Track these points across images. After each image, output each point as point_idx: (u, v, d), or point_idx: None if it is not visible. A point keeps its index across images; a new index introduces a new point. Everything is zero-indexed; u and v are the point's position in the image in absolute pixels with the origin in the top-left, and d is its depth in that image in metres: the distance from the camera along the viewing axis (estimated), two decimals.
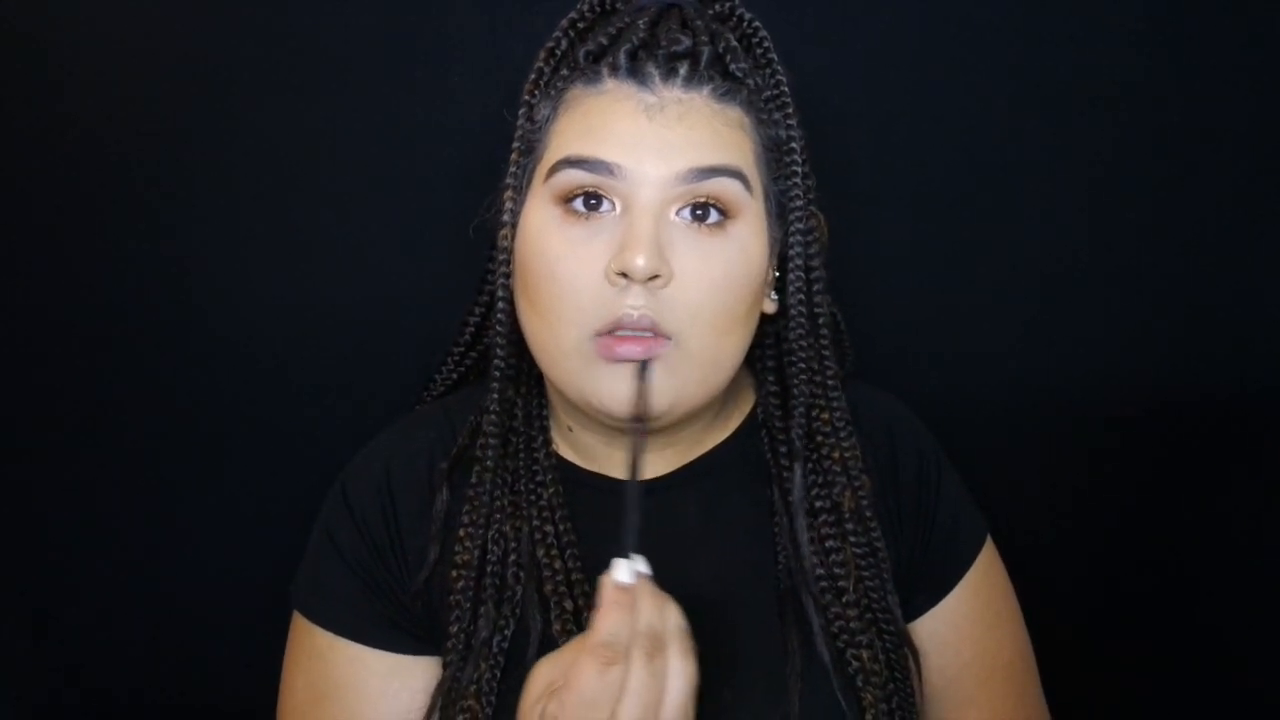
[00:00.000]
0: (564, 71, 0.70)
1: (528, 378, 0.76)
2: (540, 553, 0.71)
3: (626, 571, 0.55)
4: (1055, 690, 0.83)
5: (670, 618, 0.55)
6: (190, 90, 0.96)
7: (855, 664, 0.70)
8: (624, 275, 0.63)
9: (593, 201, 0.65)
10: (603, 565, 0.58)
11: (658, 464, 0.75)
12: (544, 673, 0.56)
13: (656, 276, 0.63)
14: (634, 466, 0.60)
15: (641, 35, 0.67)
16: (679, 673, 0.54)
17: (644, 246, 0.62)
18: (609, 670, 0.52)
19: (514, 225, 0.70)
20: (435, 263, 0.99)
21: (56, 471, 1.02)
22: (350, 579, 0.72)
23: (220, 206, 0.99)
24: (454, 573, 0.71)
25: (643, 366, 0.64)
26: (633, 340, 0.64)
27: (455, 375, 0.84)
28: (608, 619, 0.53)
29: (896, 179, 1.03)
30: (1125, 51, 1.01)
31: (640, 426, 0.63)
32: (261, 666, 0.80)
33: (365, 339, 1.02)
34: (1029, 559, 0.85)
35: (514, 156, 0.71)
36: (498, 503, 0.72)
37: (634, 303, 0.63)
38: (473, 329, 0.81)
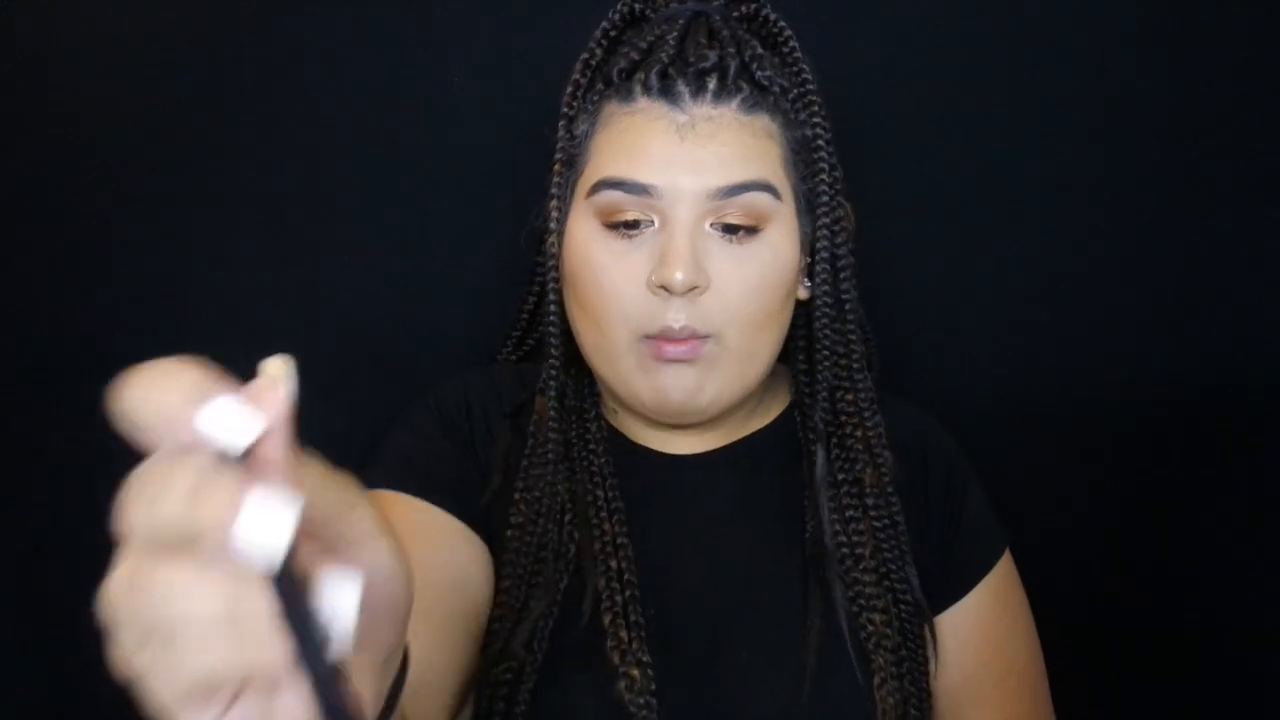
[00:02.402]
0: (599, 86, 0.73)
1: (578, 360, 0.79)
2: (591, 514, 0.74)
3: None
4: (1056, 691, 0.83)
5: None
6: (190, 90, 0.96)
7: (869, 628, 0.73)
8: (664, 288, 0.68)
9: (633, 226, 0.70)
10: (645, 530, 0.70)
11: (699, 444, 0.78)
12: None
13: (695, 287, 0.68)
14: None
15: (670, 52, 0.70)
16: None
17: (682, 261, 0.67)
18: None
19: (560, 233, 0.74)
20: (436, 263, 1.00)
21: (56, 470, 1.02)
22: (424, 451, 0.74)
23: (220, 207, 0.98)
24: (511, 522, 0.72)
25: None
26: (678, 342, 0.69)
27: (514, 357, 0.87)
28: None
29: (897, 180, 1.03)
30: (1125, 51, 1.01)
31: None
32: None
33: (365, 339, 1.02)
34: (1029, 559, 0.85)
35: (556, 168, 0.74)
36: (559, 458, 0.75)
37: (675, 315, 0.68)
38: (526, 316, 0.86)
